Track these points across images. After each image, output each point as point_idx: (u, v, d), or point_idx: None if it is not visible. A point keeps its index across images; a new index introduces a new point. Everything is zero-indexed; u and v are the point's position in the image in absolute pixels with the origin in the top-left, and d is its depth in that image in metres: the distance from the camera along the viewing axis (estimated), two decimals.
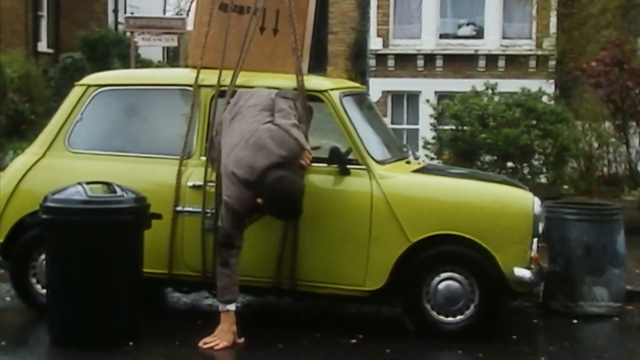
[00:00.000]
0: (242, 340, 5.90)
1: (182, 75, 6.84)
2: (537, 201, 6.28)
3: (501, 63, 18.92)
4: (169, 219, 6.30)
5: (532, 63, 18.76)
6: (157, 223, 6.06)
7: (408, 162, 6.80)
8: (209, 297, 7.13)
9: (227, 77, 6.48)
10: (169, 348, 5.85)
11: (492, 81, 11.10)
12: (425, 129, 17.63)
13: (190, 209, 6.34)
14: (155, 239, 6.12)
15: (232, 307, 5.86)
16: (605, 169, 11.81)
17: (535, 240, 6.29)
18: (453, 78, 18.94)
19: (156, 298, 7.13)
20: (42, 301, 6.30)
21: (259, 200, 5.75)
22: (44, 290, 6.25)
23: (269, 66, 6.61)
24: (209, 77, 6.52)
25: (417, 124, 18.94)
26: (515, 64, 18.74)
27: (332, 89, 6.44)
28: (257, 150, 5.78)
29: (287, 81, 6.40)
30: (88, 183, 5.88)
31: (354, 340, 6.12)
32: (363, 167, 6.26)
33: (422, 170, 6.70)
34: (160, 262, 6.33)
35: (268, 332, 6.26)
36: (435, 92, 18.44)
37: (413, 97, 19.17)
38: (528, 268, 6.17)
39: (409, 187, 6.27)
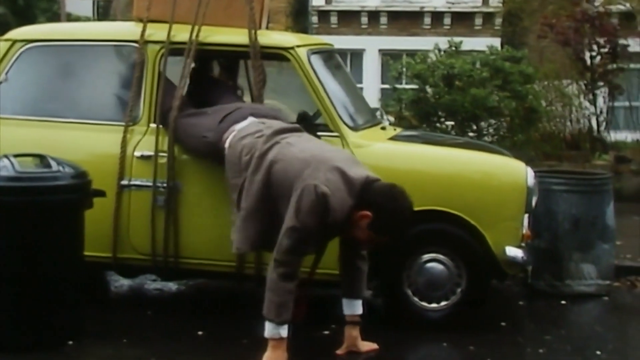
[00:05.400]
0: None
1: (126, 29, 5.95)
2: (530, 172, 5.61)
3: (447, 20, 18.57)
4: (112, 194, 5.49)
5: (479, 20, 18.41)
6: (98, 199, 5.22)
7: (383, 128, 6.06)
8: (157, 280, 6.37)
9: (177, 32, 5.66)
10: (116, 347, 5.06)
11: (456, 39, 10.39)
12: (370, 88, 17.17)
13: (137, 182, 5.55)
14: (97, 217, 5.29)
15: (285, 331, 4.65)
16: (567, 131, 11.24)
17: (527, 215, 5.63)
18: (398, 36, 18.50)
19: (98, 285, 6.31)
20: None
21: (366, 212, 4.54)
22: None
23: (226, 20, 5.77)
24: (157, 32, 5.68)
25: (361, 82, 18.41)
26: (461, 21, 18.40)
27: (299, 46, 5.66)
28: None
29: (246, 37, 5.61)
30: (16, 156, 5.00)
31: (327, 332, 5.41)
32: (335, 134, 5.51)
33: (400, 137, 5.97)
34: (103, 245, 5.53)
35: (228, 325, 5.50)
36: (380, 50, 17.96)
37: (357, 55, 18.67)
38: (520, 247, 5.52)
39: (387, 157, 5.53)
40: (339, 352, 5.01)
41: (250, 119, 5.24)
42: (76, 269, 5.03)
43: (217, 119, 5.31)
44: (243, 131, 5.11)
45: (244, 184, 4.87)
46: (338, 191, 4.52)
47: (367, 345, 5.05)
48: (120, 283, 6.50)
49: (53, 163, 5.00)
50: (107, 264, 5.67)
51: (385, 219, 4.56)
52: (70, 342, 4.97)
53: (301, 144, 4.87)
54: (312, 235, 4.58)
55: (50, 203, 4.86)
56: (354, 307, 5.00)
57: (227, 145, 5.12)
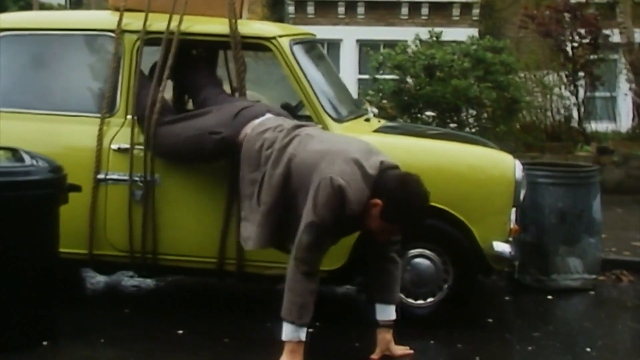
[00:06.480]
0: None
1: (102, 18, 5.75)
2: (518, 165, 5.49)
3: (424, 11, 18.47)
4: (88, 188, 5.32)
5: (456, 11, 18.33)
6: (74, 194, 5.04)
7: (367, 120, 5.92)
8: (134, 277, 6.19)
9: (154, 21, 5.49)
10: (93, 347, 4.88)
11: (436, 29, 10.25)
12: (347, 79, 17.03)
13: (114, 176, 5.38)
14: (73, 213, 5.13)
15: (304, 334, 4.46)
16: (548, 122, 11.15)
17: (514, 209, 5.51)
18: (375, 26, 18.37)
19: (74, 283, 6.13)
20: None
21: (377, 200, 4.38)
22: None
23: (206, 9, 5.61)
24: (134, 21, 5.50)
25: (338, 73, 18.26)
26: (439, 11, 18.30)
27: (281, 36, 5.50)
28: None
29: (226, 27, 5.45)
30: None
31: (311, 330, 5.23)
32: (318, 126, 5.36)
33: (385, 129, 5.83)
34: (79, 241, 5.37)
35: (209, 323, 5.35)
36: (357, 41, 17.80)
37: (334, 46, 18.49)
38: (507, 242, 5.41)
39: None
40: (373, 357, 4.78)
41: (269, 115, 5.08)
42: (51, 266, 4.85)
43: (230, 114, 5.11)
44: (262, 125, 4.94)
45: (263, 177, 4.71)
46: (354, 182, 4.38)
47: (401, 349, 4.83)
48: (97, 280, 6.31)
49: (26, 157, 4.82)
50: (83, 260, 5.49)
51: (395, 207, 4.38)
52: (45, 342, 4.80)
53: (320, 136, 4.75)
54: (331, 229, 4.43)
55: (23, 199, 4.66)
56: (388, 313, 4.78)
57: (244, 138, 4.95)
